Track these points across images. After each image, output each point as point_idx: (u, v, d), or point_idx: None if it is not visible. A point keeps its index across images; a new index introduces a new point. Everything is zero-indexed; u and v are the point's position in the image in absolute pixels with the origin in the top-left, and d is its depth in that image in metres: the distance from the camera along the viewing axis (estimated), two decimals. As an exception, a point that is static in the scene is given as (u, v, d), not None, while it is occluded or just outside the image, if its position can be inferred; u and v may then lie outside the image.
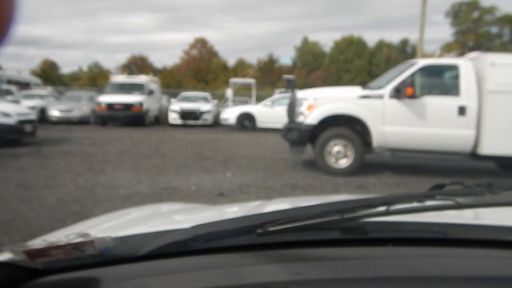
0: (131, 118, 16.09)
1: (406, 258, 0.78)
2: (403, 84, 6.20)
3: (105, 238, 0.74)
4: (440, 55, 40.57)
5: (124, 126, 15.97)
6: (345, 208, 0.79)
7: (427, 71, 6.49)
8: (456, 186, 0.85)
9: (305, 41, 58.41)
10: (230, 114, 15.72)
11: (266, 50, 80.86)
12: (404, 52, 52.56)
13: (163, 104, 20.13)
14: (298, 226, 0.78)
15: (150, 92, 17.12)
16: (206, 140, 11.73)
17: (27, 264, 0.69)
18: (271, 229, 0.76)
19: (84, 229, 1.04)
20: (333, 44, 54.86)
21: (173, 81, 47.47)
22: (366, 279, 0.70)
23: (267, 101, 15.97)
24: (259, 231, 0.76)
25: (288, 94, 7.43)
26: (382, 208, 0.78)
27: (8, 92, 16.97)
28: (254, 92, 20.89)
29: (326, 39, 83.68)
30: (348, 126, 6.58)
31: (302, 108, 6.63)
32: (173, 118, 16.78)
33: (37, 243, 0.71)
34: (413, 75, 6.32)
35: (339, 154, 6.52)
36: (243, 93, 24.27)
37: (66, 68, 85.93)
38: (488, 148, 6.27)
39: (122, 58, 65.14)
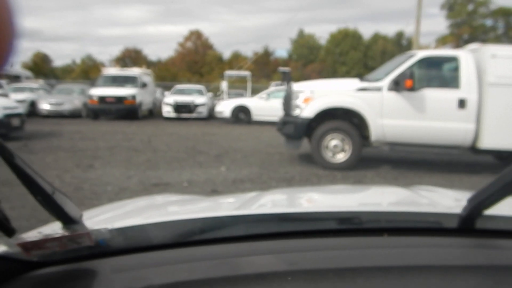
0: (124, 111, 15.82)
1: (402, 248, 0.79)
2: (402, 76, 6.00)
3: (101, 230, 0.74)
4: (435, 48, 40.43)
5: (117, 120, 15.71)
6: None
7: (426, 63, 6.29)
8: None
9: (301, 34, 58.09)
10: (225, 107, 15.48)
11: (262, 43, 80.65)
12: (400, 44, 52.45)
13: (157, 97, 19.86)
14: (294, 214, 0.82)
15: (143, 85, 16.84)
16: (200, 134, 11.51)
17: (22, 257, 0.68)
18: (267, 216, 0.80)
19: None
20: (328, 37, 54.65)
21: (167, 73, 47.07)
22: (362, 269, 0.70)
23: (263, 94, 15.74)
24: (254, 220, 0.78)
25: (283, 87, 7.23)
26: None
27: (-3, 85, 16.66)
28: (249, 85, 20.61)
29: (322, 32, 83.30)
30: (345, 119, 6.38)
31: (298, 101, 6.43)
32: (167, 111, 16.51)
33: (32, 235, 0.69)
34: (412, 67, 6.12)
35: (337, 148, 6.33)
36: (238, 86, 24.00)
37: (59, 61, 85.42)
38: (488, 142, 6.10)
39: (116, 50, 64.65)
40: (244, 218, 0.89)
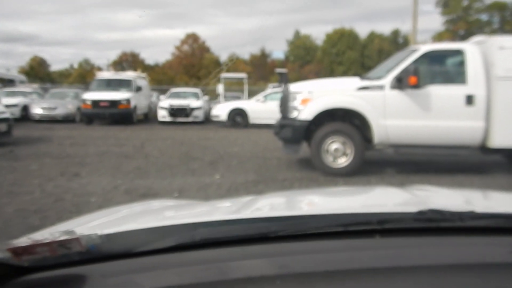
0: (118, 115, 15.45)
1: (393, 249, 0.79)
2: (405, 72, 5.62)
3: (92, 235, 0.74)
4: (433, 45, 40.13)
5: (111, 124, 15.34)
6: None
7: (430, 57, 5.91)
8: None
9: (297, 35, 57.89)
10: (221, 111, 15.08)
11: (258, 45, 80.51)
12: (396, 42, 52.27)
13: (153, 101, 19.48)
14: (283, 218, 0.86)
15: (138, 89, 16.47)
16: (196, 138, 11.12)
17: (12, 262, 0.69)
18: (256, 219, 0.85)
19: (71, 227, 1.01)
20: (325, 37, 54.40)
21: (164, 77, 46.86)
22: (352, 271, 0.71)
23: (259, 96, 15.35)
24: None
25: (281, 88, 6.87)
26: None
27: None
28: (246, 87, 20.23)
29: (318, 32, 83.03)
30: (346, 121, 6.01)
31: (296, 103, 6.05)
32: (162, 115, 16.13)
33: (22, 241, 0.71)
34: (415, 63, 5.74)
35: (338, 152, 5.95)
36: (235, 88, 23.64)
37: (56, 65, 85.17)
38: (499, 140, 5.73)
39: (113, 55, 64.08)
40: (234, 222, 0.88)
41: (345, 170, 5.98)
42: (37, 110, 16.14)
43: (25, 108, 16.57)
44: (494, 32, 42.24)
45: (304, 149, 6.55)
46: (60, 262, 0.71)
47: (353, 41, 52.83)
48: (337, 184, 5.55)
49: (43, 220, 3.86)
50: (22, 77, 25.52)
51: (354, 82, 6.03)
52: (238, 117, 14.77)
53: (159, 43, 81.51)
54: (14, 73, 26.32)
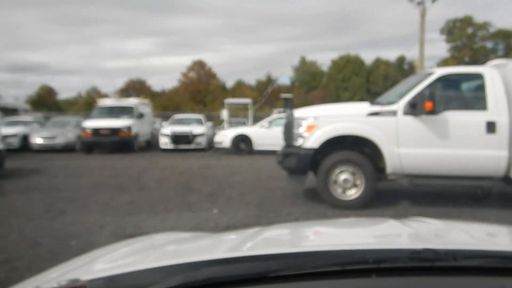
0: (119, 143, 15.07)
1: None
2: (419, 97, 5.14)
3: (96, 281, 0.77)
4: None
5: (111, 153, 14.93)
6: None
7: (447, 81, 5.43)
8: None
9: (303, 61, 58.07)
10: (225, 137, 14.63)
11: (264, 71, 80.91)
12: (401, 69, 52.19)
13: (156, 128, 19.13)
14: (283, 255, 0.88)
15: (140, 116, 16.13)
16: (197, 167, 10.63)
17: None
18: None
19: (74, 268, 1.07)
20: (330, 63, 54.49)
21: (171, 103, 46.88)
22: None
23: (264, 122, 14.92)
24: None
25: (285, 114, 6.42)
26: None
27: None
28: (251, 113, 19.83)
29: (324, 59, 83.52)
30: (356, 149, 5.51)
31: (301, 130, 5.58)
32: (164, 142, 15.70)
33: (30, 286, 0.78)
34: (430, 87, 5.26)
35: (347, 183, 5.42)
36: (240, 114, 23.28)
37: (65, 94, 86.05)
38: None
39: (121, 82, 64.76)
40: (235, 260, 0.87)
41: (356, 203, 5.43)
42: (36, 140, 15.79)
43: (25, 138, 16.24)
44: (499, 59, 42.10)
45: (311, 179, 6.05)
46: None
47: (358, 67, 52.83)
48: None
49: (10, 273, 3.34)
50: (26, 106, 25.39)
51: (363, 107, 5.55)
52: (242, 144, 14.29)
53: (166, 70, 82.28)
54: (21, 103, 26.29)
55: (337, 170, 5.45)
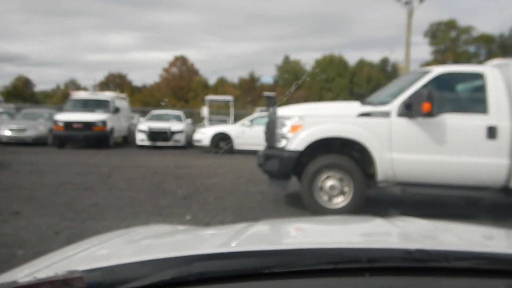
0: (93, 138, 14.32)
1: None
2: (415, 97, 4.70)
3: (93, 272, 0.76)
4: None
5: (85, 148, 14.19)
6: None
7: (445, 81, 5.00)
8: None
9: (286, 60, 57.75)
10: (204, 135, 14.04)
11: (248, 69, 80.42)
12: (385, 71, 52.43)
13: (134, 123, 18.39)
14: (277, 251, 0.87)
15: (116, 110, 15.38)
16: (173, 166, 10.04)
17: None
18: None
19: (67, 256, 1.08)
20: (314, 63, 54.39)
21: (152, 99, 45.99)
22: None
23: (245, 120, 14.38)
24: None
25: (268, 113, 5.94)
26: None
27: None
28: (232, 111, 19.26)
29: (307, 59, 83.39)
30: (344, 153, 5.05)
31: (284, 130, 5.08)
32: (141, 139, 15.02)
33: (28, 279, 0.75)
34: (427, 86, 4.83)
35: (334, 190, 4.95)
36: (222, 112, 22.69)
37: (44, 86, 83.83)
38: None
39: (102, 76, 63.15)
40: (229, 256, 0.87)
41: (342, 211, 4.96)
42: (5, 132, 14.91)
43: (-8, 129, 15.34)
44: (481, 63, 42.68)
45: (295, 183, 5.57)
46: None
47: (342, 68, 52.86)
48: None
49: None
50: (-2, 97, 24.29)
51: (353, 107, 5.09)
52: (221, 142, 13.74)
53: (149, 66, 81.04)
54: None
55: (323, 176, 4.97)
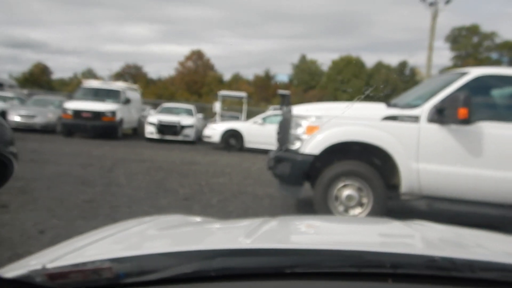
0: (101, 129, 13.99)
1: None
2: (450, 101, 4.15)
3: (122, 263, 0.77)
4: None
5: (93, 138, 13.85)
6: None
7: (484, 84, 4.43)
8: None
9: (303, 59, 57.07)
10: (214, 131, 13.59)
11: (263, 67, 79.87)
12: (403, 74, 51.48)
13: (145, 115, 18.05)
14: (299, 250, 0.85)
15: (127, 101, 15.03)
16: (179, 162, 9.60)
17: (45, 283, 0.74)
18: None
19: (94, 241, 1.07)
20: (331, 63, 53.59)
21: (165, 92, 45.82)
22: None
23: (258, 118, 13.88)
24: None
25: (282, 111, 5.44)
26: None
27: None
28: (245, 107, 18.77)
29: (324, 59, 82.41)
30: (365, 160, 4.53)
31: (299, 131, 4.58)
32: (150, 131, 14.64)
33: (57, 265, 0.78)
34: (463, 90, 4.27)
35: (351, 200, 4.44)
36: (235, 108, 22.24)
37: (61, 74, 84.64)
38: None
39: (118, 67, 63.35)
40: (250, 253, 0.86)
41: (359, 225, 4.44)
42: (14, 118, 14.66)
43: (3, 114, 15.09)
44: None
45: (307, 188, 5.07)
46: (88, 286, 0.75)
47: (359, 70, 52.03)
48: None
49: None
50: (12, 82, 24.20)
51: (378, 109, 4.56)
52: (232, 139, 13.27)
53: (165, 59, 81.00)
54: (8, 77, 25.11)
55: (340, 184, 4.46)
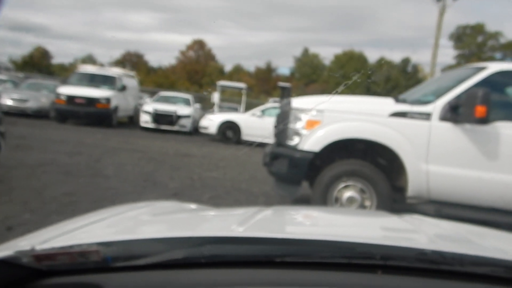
0: (95, 116, 13.57)
1: None
2: (466, 98, 3.76)
3: (109, 246, 0.76)
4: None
5: (86, 125, 13.44)
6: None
7: (503, 81, 4.03)
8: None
9: (305, 52, 56.50)
10: (211, 122, 13.18)
11: (265, 59, 79.19)
12: (405, 71, 50.98)
13: (142, 104, 17.61)
14: (290, 240, 0.85)
15: (122, 88, 14.58)
16: (173, 153, 9.22)
17: (32, 265, 0.73)
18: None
19: (83, 226, 1.06)
20: (333, 58, 53.08)
21: (166, 81, 45.37)
22: None
23: (256, 110, 13.47)
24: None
25: (281, 104, 5.05)
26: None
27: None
28: (244, 99, 18.33)
29: (327, 53, 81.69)
30: (368, 159, 4.14)
31: (299, 125, 4.19)
32: (145, 120, 14.22)
33: (46, 248, 0.76)
34: (481, 85, 3.87)
35: (352, 203, 4.06)
36: (235, 99, 21.79)
37: (62, 59, 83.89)
38: None
39: (119, 54, 62.73)
40: (242, 241, 0.85)
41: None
42: (6, 101, 14.23)
43: (-6, 97, 14.67)
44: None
45: (304, 187, 4.69)
46: (75, 268, 0.75)
47: (361, 65, 51.51)
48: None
49: None
50: (8, 65, 23.77)
51: (385, 104, 4.17)
52: (229, 131, 12.87)
53: (166, 47, 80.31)
54: (5, 60, 24.64)
55: (341, 185, 4.08)
